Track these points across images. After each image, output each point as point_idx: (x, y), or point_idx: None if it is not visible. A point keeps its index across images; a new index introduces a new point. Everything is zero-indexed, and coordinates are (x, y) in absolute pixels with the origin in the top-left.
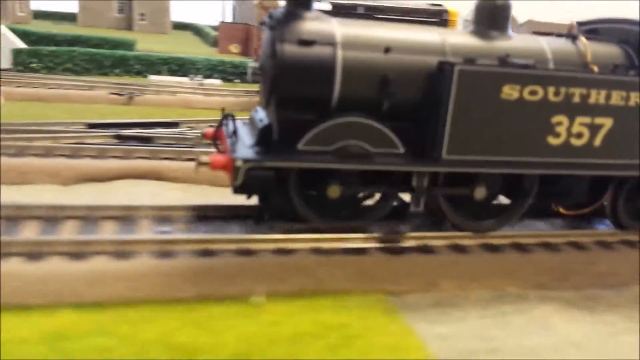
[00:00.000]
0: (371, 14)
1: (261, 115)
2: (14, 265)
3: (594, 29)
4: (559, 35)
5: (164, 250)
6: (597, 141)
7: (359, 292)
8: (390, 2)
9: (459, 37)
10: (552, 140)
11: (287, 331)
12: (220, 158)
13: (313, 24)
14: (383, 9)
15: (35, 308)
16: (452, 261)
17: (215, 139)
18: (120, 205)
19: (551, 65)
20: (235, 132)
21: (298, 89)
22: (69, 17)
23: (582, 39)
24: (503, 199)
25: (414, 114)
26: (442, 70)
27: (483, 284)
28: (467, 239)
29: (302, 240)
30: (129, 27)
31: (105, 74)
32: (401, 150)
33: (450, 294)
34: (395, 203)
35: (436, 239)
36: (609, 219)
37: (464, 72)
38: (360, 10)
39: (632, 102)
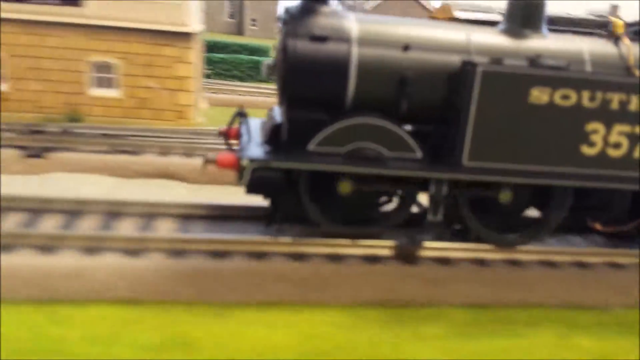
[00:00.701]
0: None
1: (276, 114)
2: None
3: None
4: (601, 35)
5: None
6: (639, 152)
7: None
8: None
9: (486, 36)
10: (586, 150)
11: None
12: (227, 157)
13: (328, 20)
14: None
15: None
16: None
17: (227, 136)
18: None
19: (588, 68)
20: (248, 130)
21: (310, 87)
22: None
23: (626, 41)
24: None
25: (434, 116)
26: (465, 71)
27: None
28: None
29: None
30: (239, 32)
31: (264, 81)
32: (419, 154)
33: None
34: (413, 210)
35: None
36: None
37: (488, 74)
38: None
39: None
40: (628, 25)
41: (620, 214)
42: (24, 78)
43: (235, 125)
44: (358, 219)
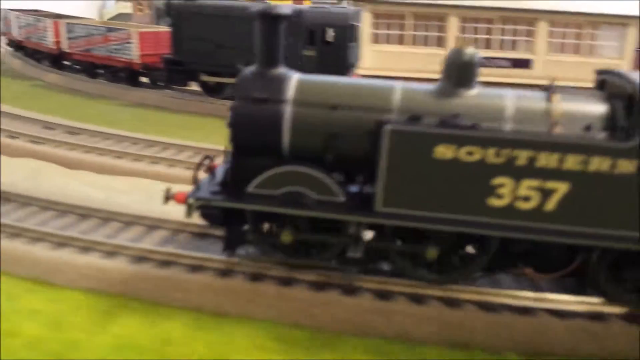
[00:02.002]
0: None
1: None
2: None
3: (603, 81)
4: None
5: None
6: (550, 206)
7: None
8: None
9: (416, 95)
10: (494, 202)
11: None
12: (180, 194)
13: (272, 82)
14: None
15: None
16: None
17: (195, 176)
18: None
19: (508, 126)
20: (211, 171)
21: (251, 140)
22: None
23: (556, 96)
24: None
25: (358, 166)
26: (377, 129)
27: None
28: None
29: None
30: None
31: None
32: (341, 199)
33: None
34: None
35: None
36: (590, 287)
37: (396, 132)
38: None
39: (593, 167)
40: (599, 72)
41: (548, 262)
42: None
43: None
44: (297, 252)
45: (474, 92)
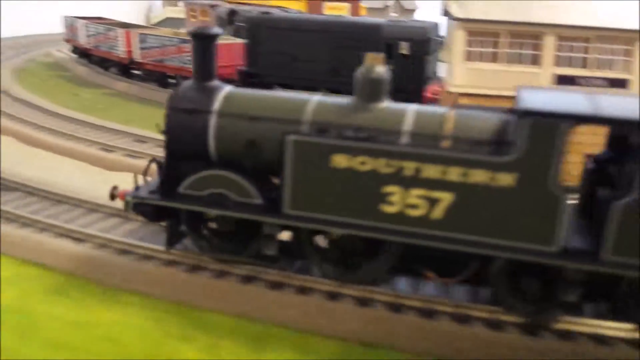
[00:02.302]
0: None
1: None
2: None
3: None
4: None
5: None
6: (437, 214)
7: None
8: None
9: (328, 108)
10: (386, 208)
11: None
12: (122, 192)
13: (202, 95)
14: None
15: None
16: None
17: (137, 178)
18: None
19: (404, 138)
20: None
21: (182, 145)
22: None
23: (451, 113)
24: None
25: (273, 172)
26: (284, 139)
27: None
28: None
29: None
30: None
31: None
32: (258, 201)
33: None
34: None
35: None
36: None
37: (298, 142)
38: None
39: (474, 179)
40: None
41: (444, 266)
42: None
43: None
44: (231, 248)
45: (383, 106)
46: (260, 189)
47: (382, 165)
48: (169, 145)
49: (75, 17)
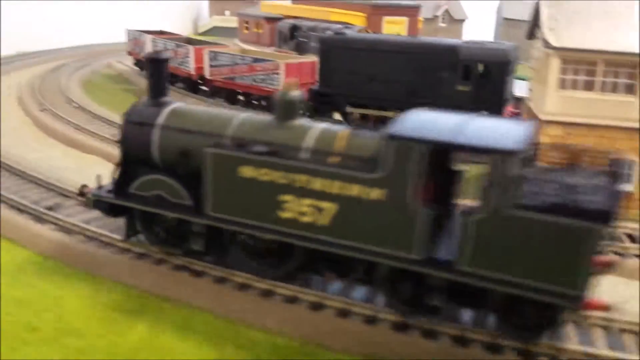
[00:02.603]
0: None
1: None
2: None
3: None
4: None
5: None
6: (324, 221)
7: None
8: None
9: (249, 125)
10: (283, 214)
11: None
12: (89, 189)
13: (151, 110)
14: None
15: None
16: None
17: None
18: None
19: (303, 154)
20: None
21: (133, 153)
22: None
23: (342, 133)
24: None
25: (200, 178)
26: (204, 151)
27: None
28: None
29: None
30: None
31: None
32: (189, 202)
33: None
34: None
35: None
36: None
37: (214, 154)
38: None
39: (353, 193)
40: None
41: (336, 269)
42: None
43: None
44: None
45: (295, 124)
46: (191, 193)
47: (279, 177)
48: (123, 152)
49: (139, 31)
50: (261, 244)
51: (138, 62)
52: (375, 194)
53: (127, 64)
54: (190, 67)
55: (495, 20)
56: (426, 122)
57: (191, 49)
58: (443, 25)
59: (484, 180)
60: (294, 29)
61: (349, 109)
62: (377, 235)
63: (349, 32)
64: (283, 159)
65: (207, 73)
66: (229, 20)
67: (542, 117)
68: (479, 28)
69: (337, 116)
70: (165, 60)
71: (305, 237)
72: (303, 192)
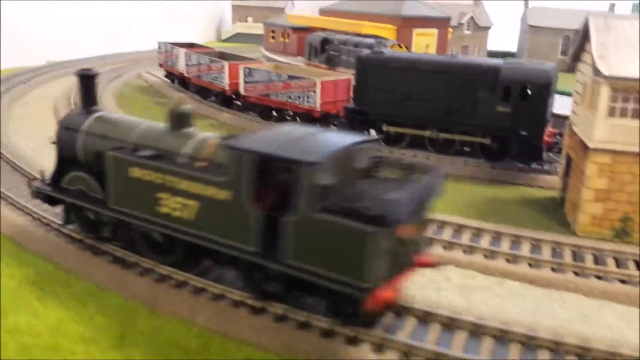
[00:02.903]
0: None
1: None
2: None
3: None
4: None
5: None
6: (191, 216)
7: None
8: None
9: (147, 132)
10: (161, 209)
11: None
12: (35, 182)
13: (80, 117)
14: None
15: None
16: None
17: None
18: None
19: (180, 159)
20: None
21: (64, 153)
22: (512, 56)
23: (212, 141)
24: None
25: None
26: (108, 154)
27: None
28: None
29: None
30: (570, 68)
31: None
32: (100, 196)
33: None
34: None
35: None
36: None
37: (112, 156)
38: None
39: (208, 193)
40: None
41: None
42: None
43: None
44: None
45: (184, 132)
46: (102, 188)
47: (157, 177)
48: (57, 152)
49: (171, 44)
50: (153, 233)
51: (169, 75)
52: (223, 195)
53: (157, 74)
54: (225, 83)
55: (520, 27)
56: (266, 135)
57: (226, 64)
58: (468, 32)
59: (293, 187)
60: (325, 42)
61: (385, 127)
62: (226, 230)
63: (387, 51)
64: (160, 162)
65: (241, 89)
66: (252, 27)
67: (591, 145)
68: (503, 35)
69: (373, 133)
70: (95, 76)
71: (177, 229)
72: (174, 191)
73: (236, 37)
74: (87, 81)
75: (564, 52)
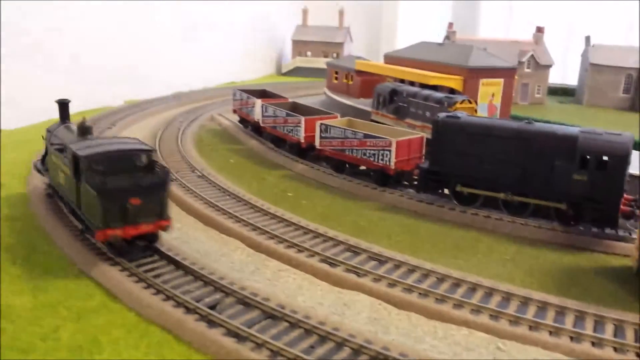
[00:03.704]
0: None
1: None
2: None
3: None
4: None
5: None
6: (66, 186)
7: None
8: None
9: (69, 138)
10: (61, 181)
11: None
12: (34, 162)
13: (55, 126)
14: None
15: None
16: None
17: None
18: None
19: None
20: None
21: (46, 145)
22: (571, 93)
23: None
24: None
25: None
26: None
27: None
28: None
29: None
30: (632, 107)
31: None
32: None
33: None
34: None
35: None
36: None
37: (51, 149)
38: None
39: (68, 172)
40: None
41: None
42: None
43: None
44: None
45: (85, 137)
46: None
47: (58, 159)
48: (46, 145)
49: (246, 92)
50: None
51: (243, 121)
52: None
53: (228, 117)
54: (300, 136)
55: (580, 65)
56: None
57: (303, 120)
58: (529, 70)
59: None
60: (394, 93)
61: (459, 188)
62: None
63: (463, 116)
64: (59, 153)
65: (317, 143)
66: (311, 61)
67: None
68: (563, 73)
69: (446, 192)
70: (68, 102)
71: (61, 193)
72: (61, 169)
73: (295, 71)
74: (64, 107)
75: (626, 91)
